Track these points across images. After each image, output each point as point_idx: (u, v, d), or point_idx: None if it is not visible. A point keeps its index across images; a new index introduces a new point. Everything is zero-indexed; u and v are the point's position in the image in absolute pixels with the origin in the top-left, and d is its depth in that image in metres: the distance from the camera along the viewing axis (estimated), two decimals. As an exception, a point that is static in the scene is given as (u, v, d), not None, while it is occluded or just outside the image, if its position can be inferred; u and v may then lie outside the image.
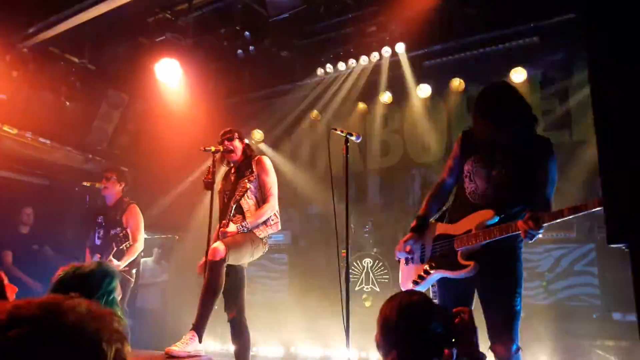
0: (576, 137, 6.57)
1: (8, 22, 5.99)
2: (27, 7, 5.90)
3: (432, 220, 3.22)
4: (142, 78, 7.27)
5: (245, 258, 4.19)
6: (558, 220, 2.70)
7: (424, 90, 7.24)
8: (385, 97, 7.50)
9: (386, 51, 6.79)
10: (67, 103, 7.01)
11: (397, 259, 3.32)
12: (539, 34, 6.16)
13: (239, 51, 7.14)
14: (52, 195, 7.70)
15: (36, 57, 6.54)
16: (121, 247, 4.95)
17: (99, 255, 5.05)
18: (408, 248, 3.15)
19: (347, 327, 3.49)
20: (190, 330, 3.76)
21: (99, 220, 5.46)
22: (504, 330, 2.80)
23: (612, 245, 1.77)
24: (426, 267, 3.07)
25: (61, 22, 5.88)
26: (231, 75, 7.75)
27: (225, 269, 3.93)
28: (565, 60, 6.40)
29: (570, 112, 6.65)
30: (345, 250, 3.89)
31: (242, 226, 4.07)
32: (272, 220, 4.32)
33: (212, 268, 3.89)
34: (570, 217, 2.69)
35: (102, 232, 5.39)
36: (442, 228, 3.10)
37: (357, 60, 7.01)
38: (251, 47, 7.05)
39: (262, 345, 6.16)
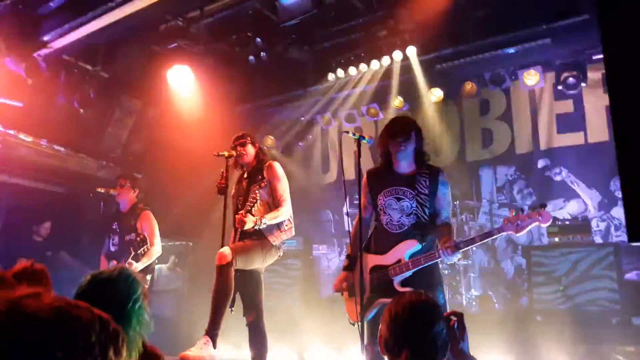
0: (591, 139, 6.51)
1: (23, 32, 6.07)
2: (41, 16, 5.98)
3: (364, 251, 3.56)
4: (154, 85, 7.34)
5: (256, 263, 4.16)
6: (473, 246, 3.36)
7: (436, 94, 7.22)
8: (397, 101, 7.47)
9: (397, 55, 6.77)
10: (81, 110, 7.07)
11: (334, 292, 3.69)
12: (551, 35, 6.11)
13: (251, 57, 7.16)
14: (67, 202, 7.76)
15: (50, 66, 6.61)
16: (139, 252, 4.96)
17: (114, 262, 5.06)
18: (345, 285, 3.57)
19: (362, 332, 3.46)
20: (204, 335, 3.75)
21: (114, 227, 5.48)
22: None
23: (633, 244, 1.74)
24: (369, 298, 3.38)
25: (74, 31, 5.95)
26: (243, 81, 7.78)
27: (232, 272, 3.91)
28: (579, 62, 6.35)
29: (585, 114, 6.60)
30: (359, 255, 3.87)
31: (260, 221, 4.04)
32: (286, 225, 4.29)
33: (220, 272, 3.88)
34: (481, 242, 3.28)
35: (117, 238, 5.40)
36: (374, 260, 3.46)
37: (368, 64, 7.00)
38: (262, 53, 7.07)
39: (276, 351, 6.13)
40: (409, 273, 3.30)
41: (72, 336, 0.96)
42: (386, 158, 3.56)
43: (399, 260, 3.33)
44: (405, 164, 3.50)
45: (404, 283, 3.31)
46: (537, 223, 3.06)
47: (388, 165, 3.56)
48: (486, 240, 3.21)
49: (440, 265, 3.47)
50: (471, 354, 2.13)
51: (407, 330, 1.92)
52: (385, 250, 3.42)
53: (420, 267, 3.27)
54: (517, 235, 3.14)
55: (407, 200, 3.42)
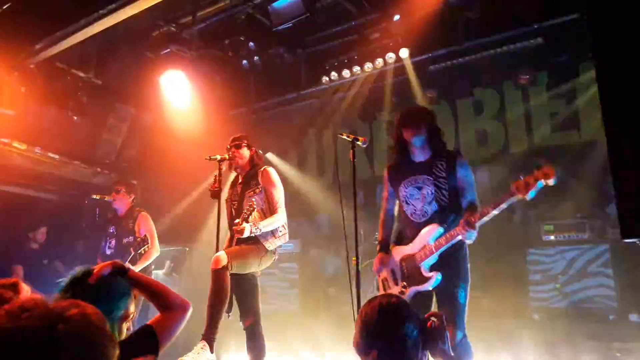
0: (585, 137, 6.52)
1: (15, 39, 6.06)
2: (33, 23, 5.97)
3: (392, 244, 3.70)
4: (148, 91, 7.33)
5: (252, 267, 4.17)
6: (488, 217, 3.22)
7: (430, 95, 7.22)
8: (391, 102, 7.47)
9: (390, 57, 6.78)
10: (75, 118, 7.06)
11: (376, 275, 3.77)
12: (543, 35, 6.14)
13: (244, 61, 7.18)
14: (62, 209, 7.74)
15: (43, 73, 6.59)
16: (139, 251, 4.95)
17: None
18: (381, 272, 3.67)
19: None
20: (201, 339, 3.75)
21: (111, 230, 5.49)
22: (450, 321, 3.12)
23: (626, 241, 1.75)
24: (401, 288, 3.52)
25: (67, 38, 5.93)
26: (236, 86, 7.79)
27: (228, 276, 3.91)
28: (571, 61, 6.36)
29: (578, 112, 6.61)
30: (355, 258, 3.88)
31: (255, 227, 4.04)
32: (280, 231, 4.29)
33: (216, 276, 3.89)
34: (496, 211, 3.19)
35: (113, 241, 5.41)
36: (402, 251, 3.57)
37: (362, 67, 7.01)
38: (256, 57, 7.09)
39: (273, 354, 6.12)
40: (434, 258, 3.38)
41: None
42: (402, 148, 3.64)
43: (424, 246, 3.41)
44: (420, 152, 3.58)
45: (432, 268, 3.39)
46: (542, 180, 3.05)
47: (405, 155, 3.64)
48: (499, 208, 3.19)
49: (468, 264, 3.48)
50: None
51: (376, 330, 1.99)
52: (411, 240, 3.51)
53: (443, 248, 3.33)
54: (526, 197, 3.10)
55: (427, 187, 3.49)
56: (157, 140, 7.88)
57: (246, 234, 3.99)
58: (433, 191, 3.46)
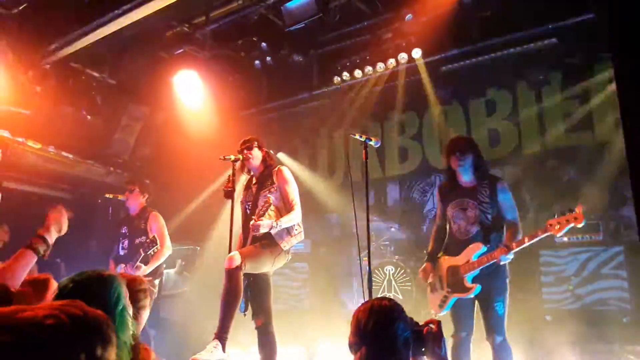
0: (598, 138, 6.47)
1: (30, 39, 6.13)
2: (48, 24, 6.03)
3: (440, 254, 4.17)
4: (161, 90, 7.38)
5: (265, 267, 4.18)
6: (523, 246, 3.77)
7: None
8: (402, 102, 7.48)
9: (403, 57, 6.77)
10: (89, 117, 7.13)
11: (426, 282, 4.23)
12: (556, 35, 6.09)
13: (256, 62, 7.22)
14: (75, 208, 7.78)
15: (58, 73, 6.67)
16: (149, 252, 4.97)
17: (123, 265, 5.09)
18: (426, 277, 4.16)
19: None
20: (214, 338, 3.77)
21: (123, 231, 5.51)
22: (490, 328, 3.81)
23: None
24: (445, 293, 3.99)
25: (81, 38, 6.00)
26: (249, 86, 7.82)
27: (241, 276, 3.93)
28: (585, 61, 6.32)
29: (592, 113, 6.55)
30: (366, 258, 3.88)
31: (277, 224, 4.06)
32: (296, 230, 4.31)
33: (229, 276, 3.90)
34: (531, 242, 3.75)
35: (126, 242, 5.43)
36: (449, 261, 4.04)
37: (374, 67, 7.01)
38: (268, 58, 7.12)
39: (284, 353, 6.14)
40: (476, 271, 3.85)
41: None
42: (450, 173, 4.16)
43: (468, 261, 3.89)
44: (466, 177, 4.05)
45: (474, 280, 3.86)
46: (573, 224, 3.63)
47: (453, 179, 4.13)
48: (534, 240, 3.75)
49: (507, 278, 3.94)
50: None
51: (365, 329, 2.11)
52: (457, 254, 3.99)
53: (484, 265, 3.81)
54: (558, 235, 3.74)
55: (471, 209, 3.97)
56: (169, 140, 7.93)
57: (265, 230, 4.01)
58: (477, 214, 3.94)
